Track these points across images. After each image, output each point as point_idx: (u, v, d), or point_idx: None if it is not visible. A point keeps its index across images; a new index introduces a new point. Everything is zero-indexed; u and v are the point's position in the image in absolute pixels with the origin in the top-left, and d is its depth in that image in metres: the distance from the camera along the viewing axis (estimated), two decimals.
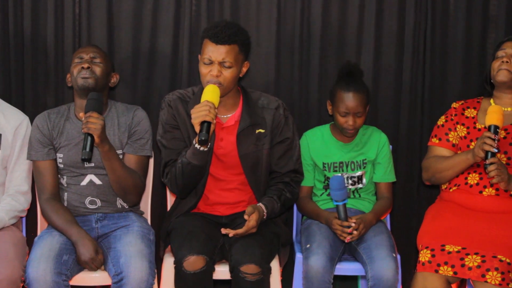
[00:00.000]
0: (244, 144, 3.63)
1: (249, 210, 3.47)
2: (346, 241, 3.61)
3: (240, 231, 3.43)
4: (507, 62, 3.64)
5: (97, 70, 3.63)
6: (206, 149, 3.44)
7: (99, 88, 3.62)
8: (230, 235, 3.43)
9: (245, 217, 3.44)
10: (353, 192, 3.87)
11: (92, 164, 3.63)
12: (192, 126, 3.49)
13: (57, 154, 3.68)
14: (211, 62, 3.51)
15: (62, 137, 3.68)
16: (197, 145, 3.42)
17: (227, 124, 3.66)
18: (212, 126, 3.38)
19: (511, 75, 3.65)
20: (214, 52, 3.49)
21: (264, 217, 3.52)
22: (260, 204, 3.54)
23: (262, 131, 3.66)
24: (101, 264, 3.51)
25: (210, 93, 3.43)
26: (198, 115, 3.35)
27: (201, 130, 3.35)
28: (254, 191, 3.71)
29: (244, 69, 3.63)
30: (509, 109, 3.73)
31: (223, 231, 3.43)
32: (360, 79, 3.81)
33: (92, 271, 3.51)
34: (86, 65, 3.60)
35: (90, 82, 3.59)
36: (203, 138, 3.34)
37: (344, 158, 3.87)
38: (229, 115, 3.67)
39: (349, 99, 3.71)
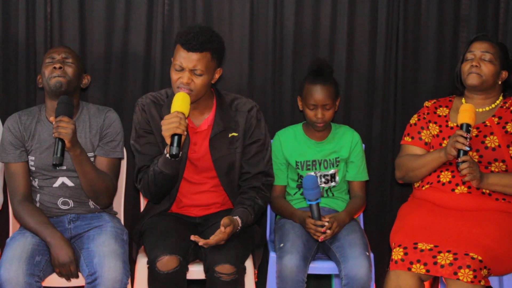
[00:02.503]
0: (217, 149, 3.62)
1: (226, 222, 3.43)
2: (319, 240, 3.62)
3: (210, 241, 3.41)
4: (476, 66, 3.67)
5: (69, 70, 3.61)
6: (177, 159, 3.42)
7: (71, 89, 3.60)
8: (200, 243, 3.42)
9: (221, 228, 3.41)
10: (326, 191, 3.88)
11: (64, 167, 3.61)
12: None
13: (28, 156, 3.66)
14: (182, 69, 3.46)
15: (33, 140, 3.66)
16: (168, 156, 3.39)
17: (200, 128, 3.64)
18: (183, 138, 3.35)
19: (481, 79, 3.69)
20: (186, 59, 3.45)
21: (237, 230, 3.51)
22: (237, 217, 3.51)
23: (235, 134, 3.65)
24: (75, 275, 3.49)
25: (180, 102, 3.39)
26: (168, 127, 3.32)
27: (171, 144, 3.32)
28: (228, 193, 3.71)
29: (217, 76, 3.59)
30: (480, 109, 3.76)
31: (193, 238, 3.41)
32: (328, 74, 3.85)
33: (62, 277, 3.50)
34: (58, 65, 3.58)
35: (63, 83, 3.57)
36: (174, 153, 3.32)
37: (317, 157, 3.89)
38: (202, 119, 3.65)
39: (317, 92, 3.77)
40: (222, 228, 3.41)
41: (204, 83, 3.49)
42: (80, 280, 3.51)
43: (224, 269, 3.38)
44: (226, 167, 3.65)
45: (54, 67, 3.59)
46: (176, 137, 3.32)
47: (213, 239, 3.40)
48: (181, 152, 3.39)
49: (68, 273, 3.47)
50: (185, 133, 3.35)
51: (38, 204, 3.68)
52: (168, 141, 3.34)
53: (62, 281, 3.53)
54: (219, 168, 3.65)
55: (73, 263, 3.46)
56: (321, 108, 3.78)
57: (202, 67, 3.45)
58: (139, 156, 3.63)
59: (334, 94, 3.82)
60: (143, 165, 3.61)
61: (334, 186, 3.90)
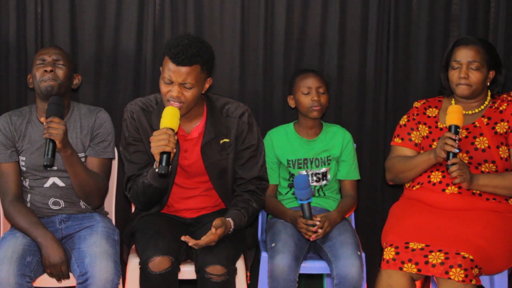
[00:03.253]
0: (209, 155, 3.61)
1: (217, 223, 3.41)
2: (311, 239, 3.63)
3: (200, 242, 3.39)
4: (465, 78, 3.67)
5: (60, 73, 3.61)
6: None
7: (62, 92, 3.60)
8: (190, 244, 3.40)
9: (212, 229, 3.39)
10: (317, 190, 3.89)
11: (55, 168, 3.61)
12: None
13: (19, 157, 3.65)
14: (171, 82, 3.42)
15: (24, 140, 3.65)
16: (157, 169, 3.35)
17: (191, 136, 3.62)
18: (172, 154, 3.32)
19: (471, 89, 3.70)
20: (175, 73, 3.39)
21: (229, 232, 3.50)
22: (229, 219, 3.50)
23: (227, 140, 3.63)
24: (66, 275, 3.49)
25: (170, 117, 3.35)
26: (157, 144, 3.28)
27: (160, 162, 3.29)
28: (221, 196, 3.71)
29: (207, 85, 3.54)
30: (470, 112, 3.77)
31: (183, 238, 3.40)
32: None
33: (53, 277, 3.49)
34: (49, 68, 3.57)
35: (54, 86, 3.56)
36: (163, 172, 3.28)
37: (308, 155, 3.91)
38: (193, 126, 3.63)
39: (310, 77, 3.90)
40: (213, 230, 3.40)
41: (195, 95, 3.46)
42: (71, 281, 3.51)
43: (215, 270, 3.38)
44: (218, 172, 3.65)
45: (45, 70, 3.58)
46: (165, 156, 3.29)
47: (204, 240, 3.39)
48: (170, 167, 3.36)
49: (59, 274, 3.47)
50: (175, 150, 3.33)
51: (29, 204, 3.68)
52: (157, 158, 3.31)
53: (53, 282, 3.53)
54: (212, 173, 3.64)
55: (64, 264, 3.46)
56: (316, 91, 3.84)
57: (192, 81, 3.41)
58: (128, 165, 3.62)
59: (326, 83, 3.92)
60: (132, 174, 3.60)
61: (325, 185, 3.92)
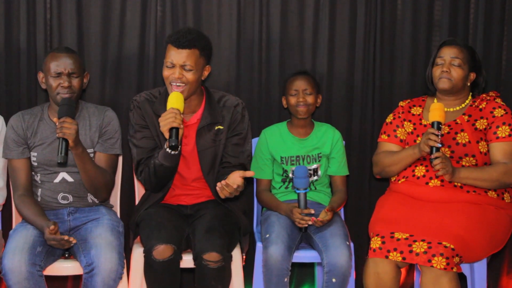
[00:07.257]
0: (202, 140, 3.75)
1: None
2: (310, 222, 3.70)
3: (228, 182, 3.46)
4: (446, 71, 3.76)
5: (75, 84, 3.68)
6: (176, 152, 3.57)
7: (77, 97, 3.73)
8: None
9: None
10: (309, 185, 3.91)
11: None
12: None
13: (31, 152, 3.74)
14: (173, 66, 3.62)
15: (36, 137, 3.75)
16: (168, 150, 3.53)
17: (190, 122, 3.77)
18: (181, 131, 3.49)
19: (451, 83, 3.78)
20: (176, 56, 3.62)
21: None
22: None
23: (221, 127, 3.78)
24: (66, 240, 3.47)
25: (175, 100, 3.53)
26: (165, 122, 3.45)
27: (170, 136, 3.46)
28: (210, 187, 3.81)
29: (206, 73, 3.75)
30: (451, 109, 3.86)
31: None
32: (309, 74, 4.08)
33: (58, 246, 3.50)
34: (66, 84, 3.64)
35: (71, 98, 3.66)
36: (173, 144, 3.45)
37: (300, 152, 4.02)
38: (192, 114, 3.79)
39: (298, 79, 4.00)
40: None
41: (195, 78, 3.64)
42: (79, 269, 3.61)
43: (211, 257, 3.49)
44: (211, 159, 3.77)
45: (62, 86, 3.65)
46: (174, 130, 3.45)
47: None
48: (180, 147, 3.52)
49: (57, 240, 3.47)
50: (182, 126, 3.48)
51: (39, 198, 3.77)
52: (166, 135, 3.46)
53: (62, 270, 3.66)
54: (203, 160, 3.76)
55: (56, 239, 3.47)
56: (302, 93, 3.94)
57: (191, 63, 3.62)
58: (137, 150, 3.75)
59: (314, 84, 4.01)
60: (141, 158, 3.72)
61: (316, 180, 4.02)
